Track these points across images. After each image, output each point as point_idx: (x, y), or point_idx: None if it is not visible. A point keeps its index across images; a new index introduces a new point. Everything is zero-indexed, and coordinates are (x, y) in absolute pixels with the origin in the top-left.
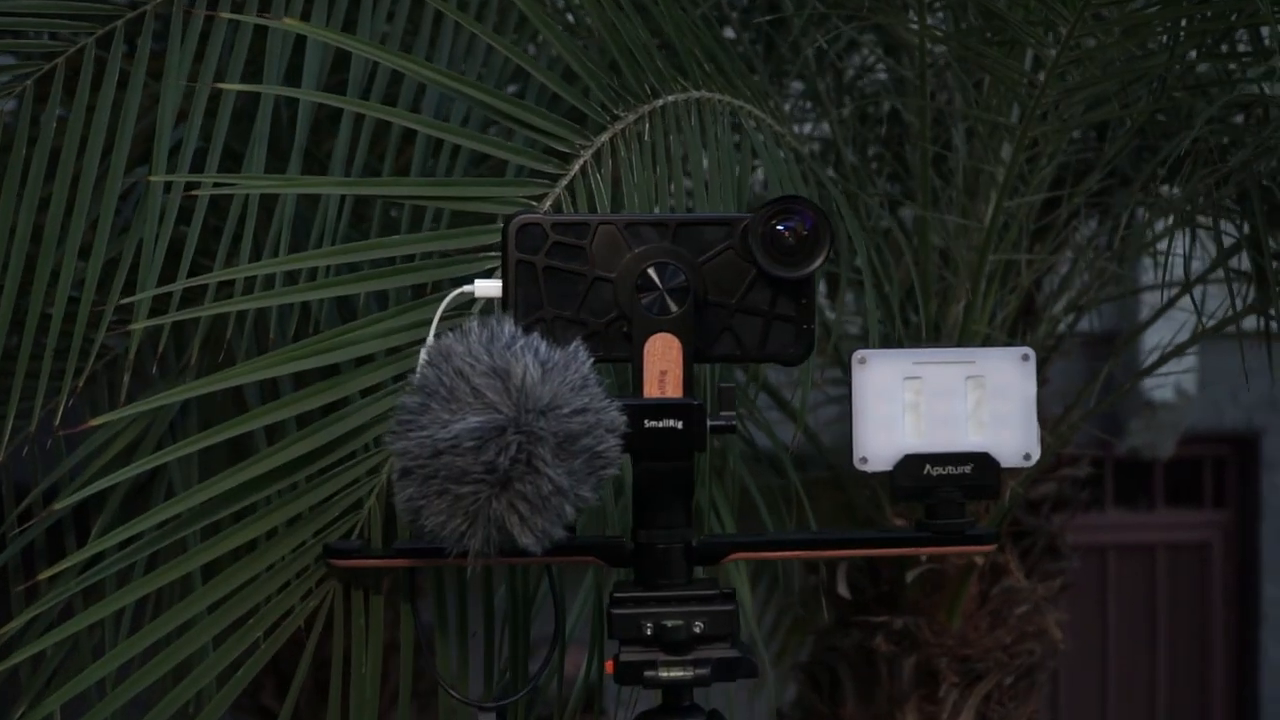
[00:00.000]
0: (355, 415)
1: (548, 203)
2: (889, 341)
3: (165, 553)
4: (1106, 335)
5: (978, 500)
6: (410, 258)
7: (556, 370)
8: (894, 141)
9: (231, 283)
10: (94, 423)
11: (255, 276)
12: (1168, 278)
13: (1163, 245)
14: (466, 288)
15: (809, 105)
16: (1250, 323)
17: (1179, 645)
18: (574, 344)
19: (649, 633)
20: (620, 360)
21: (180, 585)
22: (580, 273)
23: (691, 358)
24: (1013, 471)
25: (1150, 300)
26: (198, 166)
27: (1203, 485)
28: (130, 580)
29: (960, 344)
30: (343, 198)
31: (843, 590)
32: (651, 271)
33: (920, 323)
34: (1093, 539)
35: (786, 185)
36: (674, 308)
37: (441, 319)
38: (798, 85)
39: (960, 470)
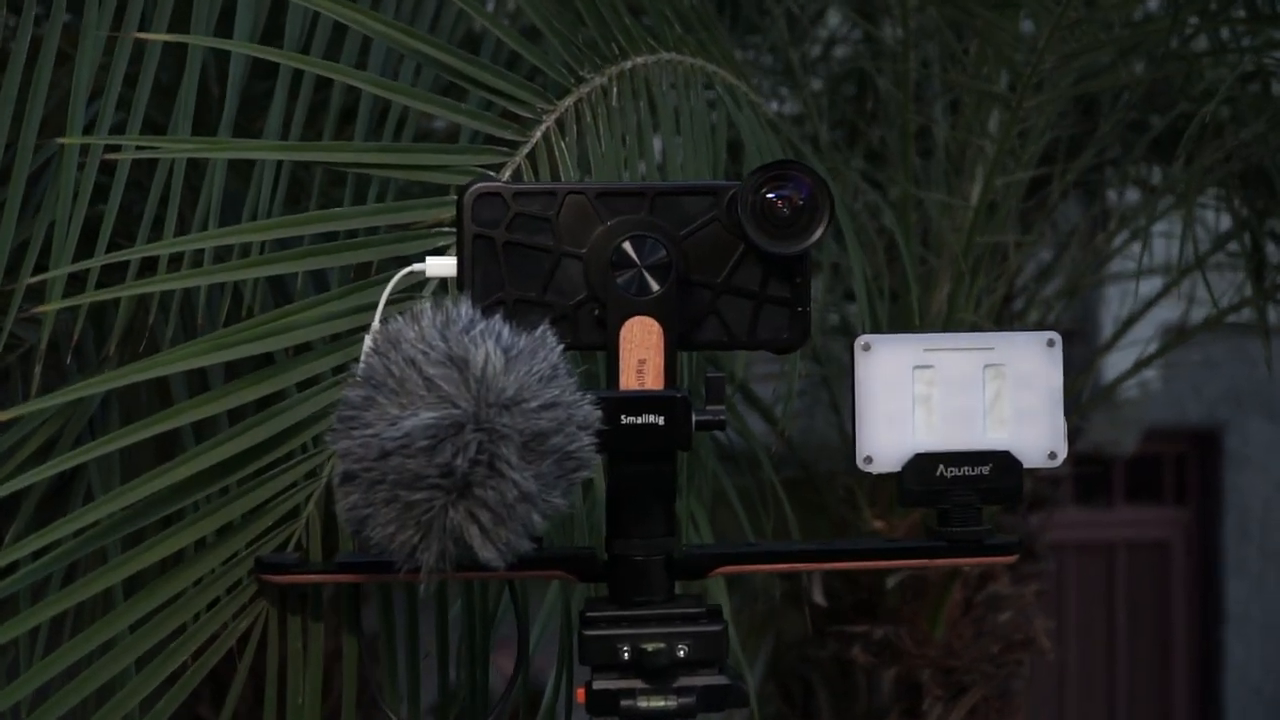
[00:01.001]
0: (291, 411)
1: (507, 172)
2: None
3: (85, 565)
4: (1070, 327)
5: (997, 505)
6: (354, 234)
7: (522, 358)
8: (868, 117)
9: (155, 268)
10: (4, 416)
11: (182, 255)
12: (1150, 264)
13: (1153, 229)
14: (417, 266)
15: (776, 81)
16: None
17: (1140, 646)
18: (541, 328)
19: (626, 657)
20: (591, 348)
21: (103, 600)
22: (546, 248)
23: (674, 344)
24: (1035, 472)
25: (1119, 291)
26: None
27: (1164, 482)
28: (46, 594)
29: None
30: (278, 174)
31: (818, 597)
32: (628, 246)
33: (913, 308)
34: (1051, 537)
35: (767, 157)
36: (654, 287)
37: (389, 302)
38: (765, 59)
39: (978, 471)
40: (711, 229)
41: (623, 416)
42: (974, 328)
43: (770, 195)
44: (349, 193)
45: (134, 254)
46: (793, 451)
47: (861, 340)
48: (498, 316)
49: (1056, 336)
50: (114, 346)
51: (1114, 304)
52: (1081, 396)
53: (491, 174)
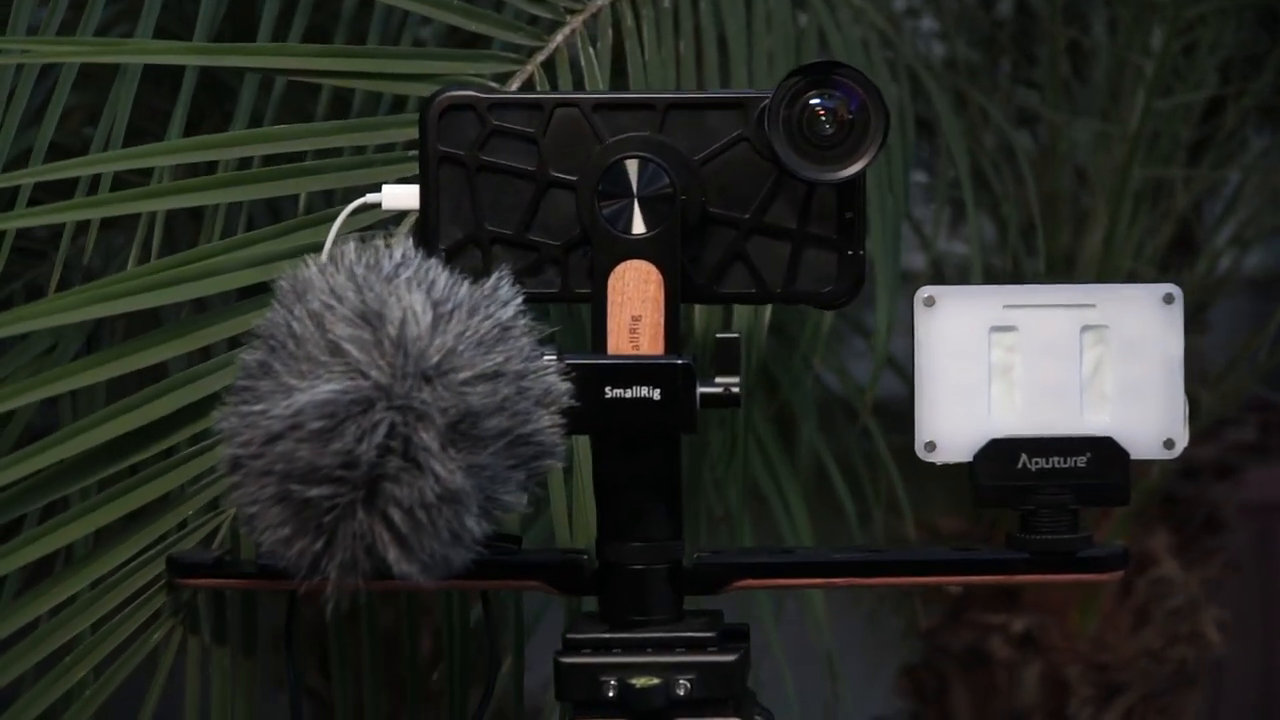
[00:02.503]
0: (212, 377)
1: (516, 83)
2: (1002, 280)
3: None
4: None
5: (1096, 506)
6: (323, 154)
7: (456, 315)
8: (1022, 37)
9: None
10: None
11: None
12: None
13: None
14: (371, 197)
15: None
16: None
17: None
18: (496, 275)
19: (611, 694)
20: (585, 299)
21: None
22: (528, 174)
23: (677, 296)
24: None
25: None
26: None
27: None
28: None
29: (1100, 282)
30: (265, 90)
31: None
32: (625, 169)
33: (1049, 254)
34: (1258, 497)
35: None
36: (650, 224)
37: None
38: None
39: (1072, 463)
40: (739, 151)
41: (607, 389)
42: (1132, 277)
43: (813, 101)
44: (357, 109)
45: (34, 176)
46: None
47: (924, 292)
48: (434, 261)
49: (1175, 290)
50: (54, 289)
51: None
52: (1259, 353)
53: (493, 84)
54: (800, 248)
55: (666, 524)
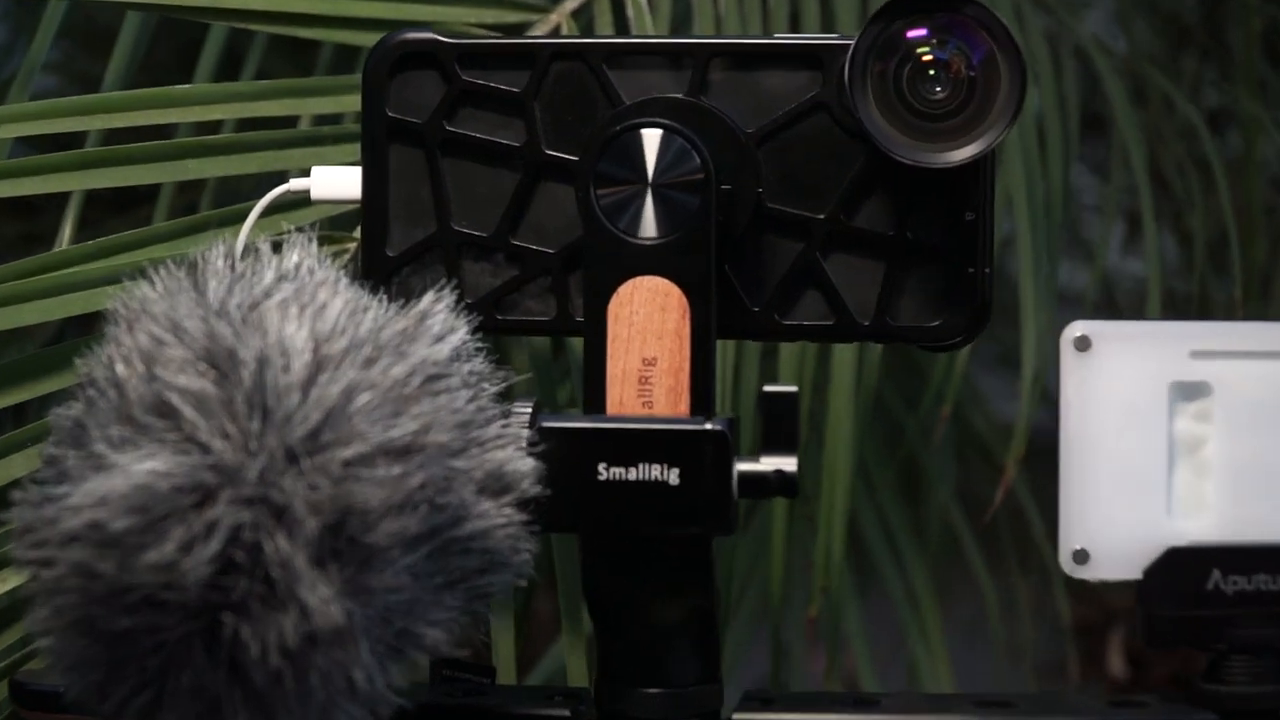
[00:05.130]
0: None
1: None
2: (1184, 308)
3: None
4: None
5: None
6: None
7: (349, 358)
8: (1212, 23)
9: None
10: None
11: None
12: None
13: None
14: (297, 183)
15: None
16: None
17: None
18: (428, 298)
19: None
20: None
21: None
22: (514, 153)
23: (711, 331)
24: None
25: None
26: None
27: None
28: None
29: None
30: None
31: (1116, 667)
32: (638, 143)
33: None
34: None
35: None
36: (670, 224)
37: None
38: None
39: None
40: (815, 123)
41: (600, 467)
42: None
43: (921, 48)
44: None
45: None
46: None
47: (1075, 329)
48: (333, 274)
49: None
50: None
51: None
52: None
53: (493, 34)
54: (900, 263)
55: (693, 662)
